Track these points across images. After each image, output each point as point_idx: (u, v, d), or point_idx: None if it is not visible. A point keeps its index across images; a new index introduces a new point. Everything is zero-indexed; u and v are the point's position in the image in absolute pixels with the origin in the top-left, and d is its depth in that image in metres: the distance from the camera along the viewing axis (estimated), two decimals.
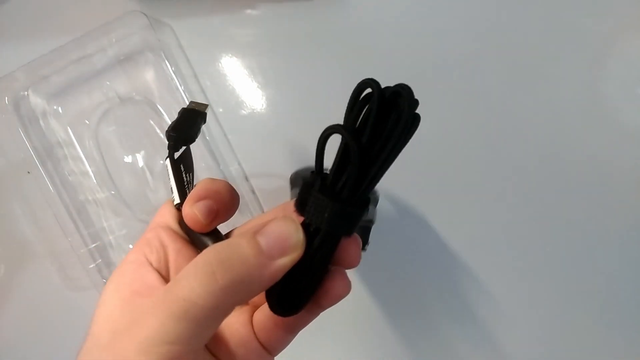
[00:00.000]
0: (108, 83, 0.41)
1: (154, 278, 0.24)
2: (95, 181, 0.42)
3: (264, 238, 0.21)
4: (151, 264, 0.24)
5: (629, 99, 0.42)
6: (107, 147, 0.42)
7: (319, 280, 0.23)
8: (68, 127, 0.41)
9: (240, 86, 0.42)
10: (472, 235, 0.44)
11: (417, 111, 0.22)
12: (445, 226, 0.44)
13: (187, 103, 0.38)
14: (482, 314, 0.45)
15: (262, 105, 0.43)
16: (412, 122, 0.22)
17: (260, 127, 0.43)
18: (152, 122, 0.41)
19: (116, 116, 0.41)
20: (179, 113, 0.34)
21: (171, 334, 0.20)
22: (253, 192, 0.42)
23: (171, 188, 0.28)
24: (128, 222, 0.42)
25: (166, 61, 0.38)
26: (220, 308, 0.20)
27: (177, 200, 0.27)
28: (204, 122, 0.33)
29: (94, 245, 0.41)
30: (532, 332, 0.45)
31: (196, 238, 0.26)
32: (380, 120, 0.22)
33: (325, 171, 0.23)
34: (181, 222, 0.26)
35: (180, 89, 0.38)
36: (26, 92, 0.40)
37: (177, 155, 0.29)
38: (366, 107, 0.22)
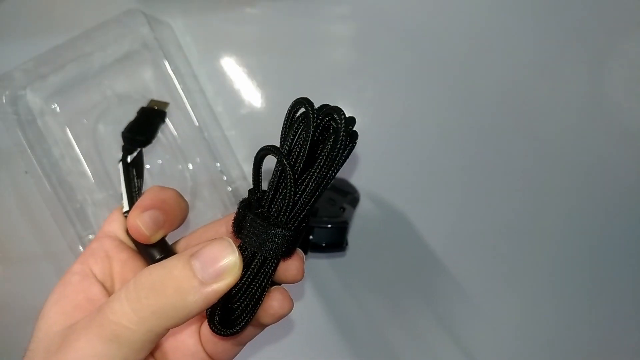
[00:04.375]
0: (106, 82, 0.41)
1: (97, 291, 0.24)
2: (93, 181, 0.41)
3: (198, 262, 0.20)
4: (95, 276, 0.24)
5: (630, 99, 0.42)
6: (105, 146, 0.41)
7: (258, 301, 0.23)
8: (66, 127, 0.41)
9: (240, 85, 0.42)
10: (471, 235, 0.44)
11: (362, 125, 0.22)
12: (444, 225, 0.44)
13: (186, 102, 0.38)
14: (469, 316, 0.45)
15: (262, 104, 0.42)
16: (348, 142, 0.21)
17: (260, 126, 0.43)
18: None
19: (114, 115, 0.41)
20: (137, 112, 0.33)
21: (102, 357, 0.20)
22: None
23: (121, 194, 0.27)
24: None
25: (165, 60, 0.38)
26: (153, 332, 0.20)
27: (125, 208, 0.26)
28: (163, 122, 0.32)
29: None
30: (526, 335, 0.45)
31: (142, 249, 0.25)
32: (315, 142, 0.22)
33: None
34: (128, 232, 0.25)
35: (179, 88, 0.38)
36: (24, 91, 0.39)
37: (130, 158, 0.29)
38: (301, 127, 0.22)
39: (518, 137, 0.43)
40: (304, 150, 0.21)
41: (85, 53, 0.39)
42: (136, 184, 0.28)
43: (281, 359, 0.43)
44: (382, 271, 0.44)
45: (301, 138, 0.22)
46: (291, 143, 0.22)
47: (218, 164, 0.40)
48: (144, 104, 0.40)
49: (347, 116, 0.21)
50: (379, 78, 0.43)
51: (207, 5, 0.42)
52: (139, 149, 0.29)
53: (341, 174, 0.43)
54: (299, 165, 0.21)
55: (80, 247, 0.40)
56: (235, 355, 0.26)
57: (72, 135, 0.41)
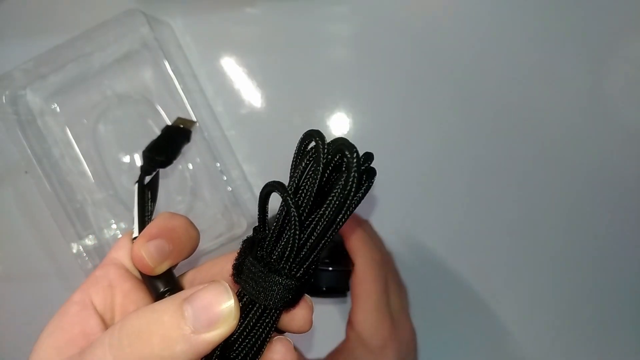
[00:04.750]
0: (106, 82, 0.41)
1: (94, 324, 0.22)
2: (93, 181, 0.41)
3: (191, 307, 0.18)
4: (95, 307, 0.23)
5: (631, 99, 0.42)
6: (105, 146, 0.41)
7: (257, 354, 0.20)
8: (66, 127, 0.41)
9: (240, 85, 0.42)
10: (472, 236, 0.44)
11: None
12: (444, 225, 0.44)
13: (186, 102, 0.38)
14: (468, 316, 0.45)
15: (262, 104, 0.42)
16: (363, 181, 0.19)
17: (260, 125, 0.43)
18: (150, 122, 0.41)
19: (114, 115, 0.41)
20: (162, 130, 0.30)
21: None
22: (252, 190, 0.42)
23: (133, 218, 0.25)
24: (126, 223, 0.42)
25: (165, 60, 0.38)
26: None
27: (135, 234, 0.25)
28: (188, 142, 0.30)
29: (92, 245, 0.41)
30: (526, 335, 0.45)
31: (147, 280, 0.24)
32: (327, 180, 0.19)
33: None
34: None
35: (179, 88, 0.38)
36: (24, 91, 0.39)
37: (147, 179, 0.27)
38: (310, 164, 0.19)
39: (518, 137, 0.43)
40: (312, 189, 0.19)
41: (85, 53, 0.39)
42: (149, 207, 0.26)
43: None
44: None
45: (310, 175, 0.19)
46: (299, 180, 0.19)
47: (218, 164, 0.40)
48: (145, 104, 0.40)
49: (360, 154, 0.19)
50: (379, 78, 0.43)
51: (207, 5, 0.42)
52: (157, 170, 0.27)
53: None
54: (307, 206, 0.19)
55: (80, 247, 0.40)
56: None
57: (72, 135, 0.41)
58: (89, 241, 0.40)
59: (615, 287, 0.44)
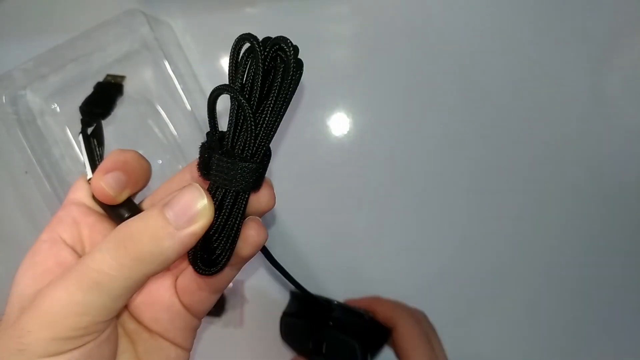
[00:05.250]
0: None
1: (66, 254, 0.24)
2: None
3: (170, 210, 0.21)
4: (65, 241, 0.24)
5: (631, 99, 0.42)
6: (105, 146, 0.41)
7: (236, 235, 0.23)
8: (66, 127, 0.41)
9: None
10: (472, 236, 0.44)
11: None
12: (444, 225, 0.44)
13: (186, 102, 0.38)
14: (468, 316, 0.45)
15: None
16: (297, 70, 0.23)
17: None
18: (150, 122, 0.41)
19: (114, 115, 0.41)
20: (94, 87, 0.33)
21: (80, 305, 0.20)
22: None
23: (83, 163, 0.28)
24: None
25: (165, 60, 0.38)
26: (132, 278, 0.21)
27: (89, 175, 0.27)
28: (121, 94, 0.32)
29: None
30: (525, 336, 0.45)
31: (110, 211, 0.26)
32: (266, 74, 0.22)
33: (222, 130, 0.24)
34: (94, 196, 0.26)
35: (179, 88, 0.38)
36: (24, 91, 0.39)
37: (90, 130, 0.29)
38: (249, 62, 0.22)
39: (518, 137, 0.43)
40: (257, 84, 0.22)
41: (85, 53, 0.39)
42: (98, 152, 0.29)
43: None
44: (378, 271, 0.44)
45: (251, 72, 0.22)
46: (242, 79, 0.22)
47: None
48: (145, 104, 0.40)
49: (293, 44, 0.22)
50: (379, 78, 0.43)
51: (207, 5, 0.42)
52: (98, 121, 0.30)
53: (343, 175, 0.43)
54: (255, 99, 0.22)
55: None
56: (212, 305, 0.26)
57: (72, 135, 0.41)
58: None
59: (616, 287, 0.44)
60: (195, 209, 0.21)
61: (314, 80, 0.42)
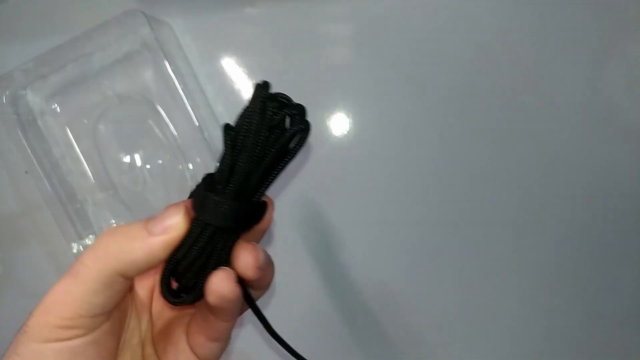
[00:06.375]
0: (106, 82, 0.41)
1: None
2: (93, 181, 0.41)
3: (151, 221, 0.24)
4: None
5: (630, 99, 0.42)
6: (105, 147, 0.41)
7: (203, 273, 0.24)
8: (66, 127, 0.41)
9: (240, 85, 0.42)
10: (471, 236, 0.44)
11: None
12: (444, 225, 0.44)
13: (187, 102, 0.38)
14: (468, 316, 0.45)
15: None
16: (304, 133, 0.24)
17: None
18: (150, 122, 0.41)
19: (115, 116, 0.41)
20: None
21: (67, 294, 0.22)
22: None
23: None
24: (126, 223, 0.42)
25: (165, 60, 0.38)
26: (104, 273, 0.22)
27: None
28: None
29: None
30: (526, 335, 0.45)
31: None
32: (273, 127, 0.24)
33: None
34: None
35: (179, 88, 0.38)
36: (24, 92, 0.39)
37: None
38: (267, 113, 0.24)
39: (518, 137, 0.43)
40: (262, 134, 0.24)
41: (86, 53, 0.39)
42: None
43: None
44: (378, 271, 0.44)
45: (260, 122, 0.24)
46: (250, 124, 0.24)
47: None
48: (146, 104, 0.40)
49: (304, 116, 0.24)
50: (379, 78, 0.43)
51: (208, 5, 0.42)
52: None
53: (343, 175, 0.43)
54: (256, 146, 0.24)
55: (80, 247, 0.40)
56: (216, 354, 0.27)
57: (72, 135, 0.41)
58: (89, 241, 0.41)
59: (615, 287, 0.44)
60: (170, 221, 0.23)
61: (314, 80, 0.42)
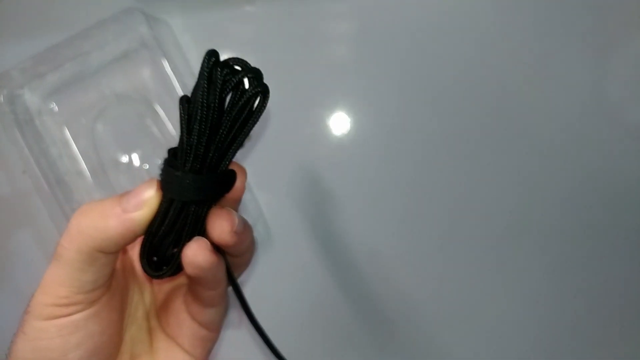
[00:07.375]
0: (104, 81, 0.40)
1: None
2: (91, 180, 0.41)
3: (125, 197, 0.24)
4: None
5: (631, 99, 0.42)
6: (103, 146, 0.41)
7: (183, 242, 0.24)
8: (64, 126, 0.41)
9: None
10: (470, 236, 0.44)
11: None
12: (444, 225, 0.44)
13: None
14: (467, 316, 0.44)
15: None
16: (263, 97, 0.24)
17: (258, 124, 0.42)
18: (149, 121, 0.41)
19: (113, 115, 0.41)
20: None
21: (54, 276, 0.23)
22: (250, 190, 0.42)
23: None
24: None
25: (163, 59, 0.38)
26: (83, 252, 0.23)
27: None
28: None
29: None
30: (525, 336, 0.45)
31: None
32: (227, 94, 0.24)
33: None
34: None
35: (178, 87, 0.38)
36: (21, 91, 0.39)
37: None
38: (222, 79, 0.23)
39: (518, 137, 0.43)
40: (215, 102, 0.24)
41: (84, 52, 0.38)
42: None
43: None
44: (378, 271, 0.44)
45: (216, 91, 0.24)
46: (205, 95, 0.24)
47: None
48: (144, 103, 0.40)
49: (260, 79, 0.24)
50: (379, 77, 0.42)
51: (206, 4, 0.41)
52: None
53: (343, 175, 0.43)
54: (211, 115, 0.24)
55: None
56: (216, 318, 0.28)
57: (70, 134, 0.41)
58: None
59: (616, 287, 0.44)
60: (142, 197, 0.24)
61: (314, 79, 0.42)
